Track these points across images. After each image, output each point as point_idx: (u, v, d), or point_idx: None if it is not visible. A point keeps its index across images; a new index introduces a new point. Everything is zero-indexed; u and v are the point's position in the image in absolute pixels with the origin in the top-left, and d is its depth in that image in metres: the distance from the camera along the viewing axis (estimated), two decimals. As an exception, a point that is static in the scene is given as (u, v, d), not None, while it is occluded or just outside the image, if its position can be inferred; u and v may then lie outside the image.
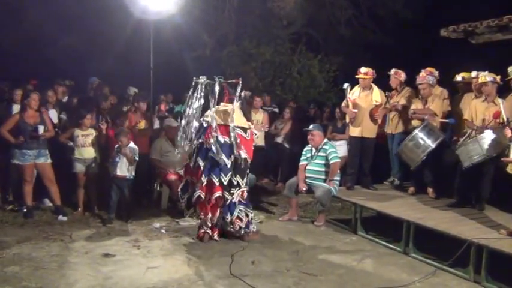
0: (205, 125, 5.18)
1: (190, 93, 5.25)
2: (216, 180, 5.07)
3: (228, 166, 5.10)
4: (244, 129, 5.27)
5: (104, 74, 9.06)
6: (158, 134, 7.25)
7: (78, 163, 6.28)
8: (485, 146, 5.12)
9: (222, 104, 5.32)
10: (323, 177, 6.23)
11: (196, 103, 5.18)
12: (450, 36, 7.17)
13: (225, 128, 5.14)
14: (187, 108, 5.24)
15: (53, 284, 4.06)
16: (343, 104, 7.03)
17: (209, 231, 5.31)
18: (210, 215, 5.21)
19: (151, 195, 7.10)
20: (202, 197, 5.14)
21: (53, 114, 6.66)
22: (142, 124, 6.91)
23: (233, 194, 5.17)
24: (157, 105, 8.16)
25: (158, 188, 7.02)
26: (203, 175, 5.08)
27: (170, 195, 6.71)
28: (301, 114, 9.25)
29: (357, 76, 6.76)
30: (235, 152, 5.09)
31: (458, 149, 5.44)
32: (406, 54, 10.02)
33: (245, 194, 5.35)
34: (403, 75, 6.87)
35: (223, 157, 5.04)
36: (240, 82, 5.23)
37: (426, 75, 6.28)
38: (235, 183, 5.16)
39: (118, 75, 9.99)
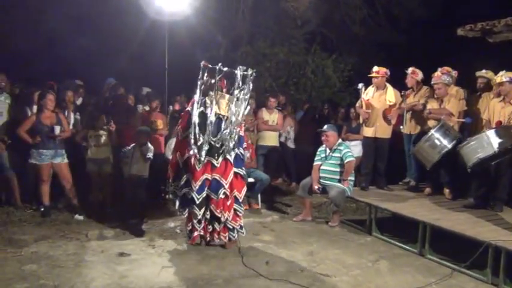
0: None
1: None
2: (242, 173, 5.03)
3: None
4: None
5: (119, 75, 9.15)
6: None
7: (91, 163, 6.36)
8: (490, 142, 5.01)
9: (219, 94, 4.96)
10: (337, 177, 6.20)
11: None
12: (467, 35, 7.07)
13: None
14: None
15: (70, 282, 4.11)
16: (357, 104, 7.00)
17: (202, 232, 5.04)
18: (227, 212, 4.92)
19: (166, 194, 7.14)
20: (228, 194, 4.88)
21: (69, 115, 6.74)
22: (158, 124, 6.93)
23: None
24: (171, 105, 8.20)
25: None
26: (237, 169, 4.95)
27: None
28: (313, 115, 9.16)
29: (369, 75, 6.72)
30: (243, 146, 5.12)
31: (461, 149, 5.30)
32: (421, 54, 9.91)
33: None
34: (420, 75, 6.70)
35: (241, 149, 5.03)
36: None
37: (441, 75, 6.19)
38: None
39: (132, 76, 10.08)
